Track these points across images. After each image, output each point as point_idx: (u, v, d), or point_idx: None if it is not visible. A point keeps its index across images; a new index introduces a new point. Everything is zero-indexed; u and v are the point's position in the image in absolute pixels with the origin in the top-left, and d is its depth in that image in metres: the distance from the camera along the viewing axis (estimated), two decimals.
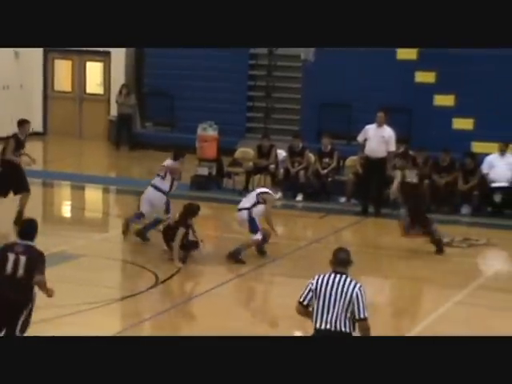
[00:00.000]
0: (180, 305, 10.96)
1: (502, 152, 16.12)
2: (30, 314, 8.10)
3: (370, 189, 15.85)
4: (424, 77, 18.90)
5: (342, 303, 7.16)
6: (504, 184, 15.89)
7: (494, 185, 15.96)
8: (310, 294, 7.31)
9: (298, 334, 10.35)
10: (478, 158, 16.34)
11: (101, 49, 20.93)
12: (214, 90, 20.68)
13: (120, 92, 21.54)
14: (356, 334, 7.24)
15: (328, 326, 7.18)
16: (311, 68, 19.03)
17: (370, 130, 15.75)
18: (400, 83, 18.82)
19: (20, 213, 13.60)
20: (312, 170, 17.09)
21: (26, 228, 8.37)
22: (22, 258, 8.04)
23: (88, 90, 22.85)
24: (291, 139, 17.51)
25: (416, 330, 10.11)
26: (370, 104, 18.91)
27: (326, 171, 16.98)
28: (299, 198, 16.84)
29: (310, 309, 7.34)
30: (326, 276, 7.31)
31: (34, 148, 22.18)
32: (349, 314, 7.16)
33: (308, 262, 13.56)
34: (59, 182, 18.28)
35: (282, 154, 17.37)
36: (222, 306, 11.21)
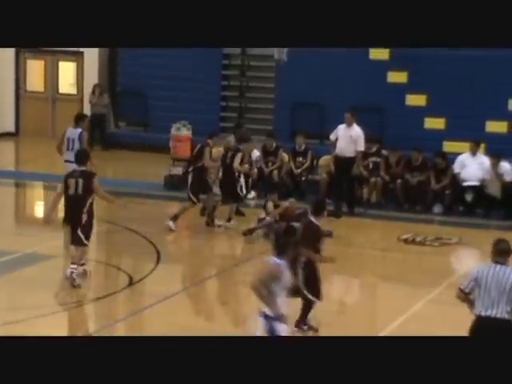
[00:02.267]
0: (154, 305, 10.95)
1: (474, 151, 16.25)
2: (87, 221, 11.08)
3: (341, 188, 15.95)
4: (396, 77, 19.02)
5: (501, 292, 7.65)
6: (475, 183, 16.02)
7: (465, 184, 16.09)
8: (472, 283, 7.85)
9: None
10: (450, 158, 16.47)
11: (73, 49, 20.85)
12: (187, 89, 20.68)
13: (93, 92, 21.47)
14: None
15: (488, 313, 7.70)
16: (284, 68, 19.08)
17: (340, 129, 15.87)
18: (372, 83, 18.92)
19: None
20: (286, 170, 17.14)
21: (81, 157, 11.42)
22: (80, 181, 11.05)
23: (61, 90, 22.75)
24: (265, 139, 17.55)
25: (388, 329, 10.18)
26: (342, 104, 18.96)
27: (299, 170, 17.04)
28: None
29: (471, 296, 7.87)
30: (487, 267, 7.82)
31: (6, 148, 22.11)
32: (509, 302, 7.65)
33: None
34: (32, 183, 18.20)
35: (255, 153, 17.40)
36: (197, 306, 11.23)
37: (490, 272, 7.77)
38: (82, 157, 11.53)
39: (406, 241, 14.20)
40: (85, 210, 11.15)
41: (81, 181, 11.16)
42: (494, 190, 15.89)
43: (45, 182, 18.04)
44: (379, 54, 19.06)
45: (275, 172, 17.01)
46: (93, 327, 10.34)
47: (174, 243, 14.54)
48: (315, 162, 17.59)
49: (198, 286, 11.97)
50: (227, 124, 20.45)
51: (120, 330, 10.26)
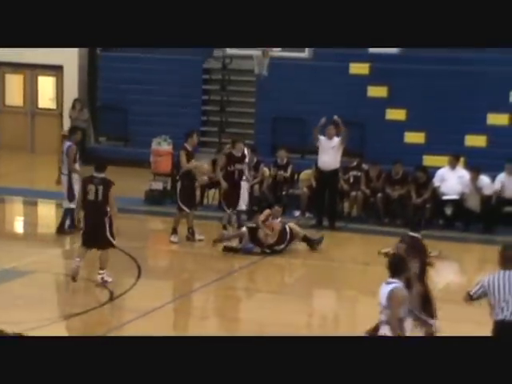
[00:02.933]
0: (135, 320, 10.89)
1: (453, 165, 16.33)
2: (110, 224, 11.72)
3: (324, 201, 15.97)
4: (376, 91, 19.10)
5: None
6: (455, 197, 16.09)
7: (445, 197, 16.16)
8: (481, 289, 8.10)
9: None
10: (430, 172, 16.54)
11: (53, 63, 20.80)
12: (168, 104, 20.67)
13: (73, 106, 21.41)
14: None
15: (506, 318, 7.90)
16: (265, 82, 19.11)
17: (322, 141, 15.94)
18: (353, 97, 18.99)
19: None
20: (267, 184, 17.14)
21: (101, 164, 12.07)
22: (100, 188, 11.75)
23: (40, 105, 22.66)
24: None
25: None
26: (323, 118, 19.06)
27: (280, 179, 17.06)
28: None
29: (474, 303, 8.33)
30: (497, 274, 8.03)
31: None
32: None
33: (264, 275, 13.61)
34: (11, 198, 18.09)
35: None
36: (177, 321, 11.19)
37: (501, 278, 7.96)
38: (101, 164, 12.15)
39: (386, 254, 14.18)
40: (107, 215, 11.76)
41: (101, 188, 11.81)
42: (474, 203, 15.96)
43: (23, 196, 17.95)
44: (359, 68, 19.17)
45: (256, 187, 17.00)
46: None
47: (154, 258, 14.50)
48: (295, 177, 17.61)
49: (179, 301, 11.93)
50: (208, 138, 20.45)
51: None
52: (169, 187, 17.37)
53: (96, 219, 11.83)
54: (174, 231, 14.52)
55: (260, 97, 20.07)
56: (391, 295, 7.68)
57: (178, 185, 14.70)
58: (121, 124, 21.06)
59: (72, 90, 21.82)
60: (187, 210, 14.44)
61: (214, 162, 17.30)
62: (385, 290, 7.74)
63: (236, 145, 15.40)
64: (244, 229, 14.07)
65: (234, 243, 14.06)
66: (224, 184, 14.81)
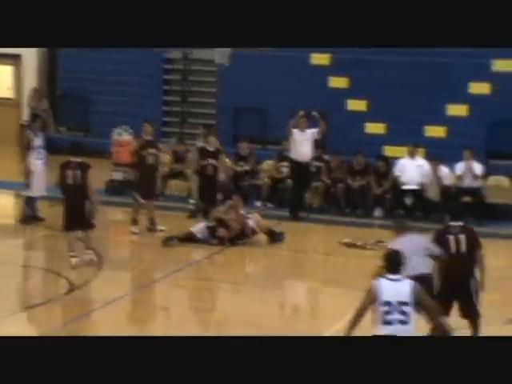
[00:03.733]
0: (95, 311, 10.86)
1: (412, 155, 16.46)
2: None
3: (300, 192, 16.04)
4: (337, 82, 19.17)
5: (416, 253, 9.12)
6: (414, 187, 16.23)
7: (405, 187, 16.29)
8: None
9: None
10: (391, 162, 16.66)
11: (11, 52, 20.56)
12: (129, 94, 20.55)
13: (32, 96, 21.19)
14: None
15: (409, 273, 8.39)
16: (226, 72, 19.09)
17: (295, 134, 15.93)
18: (314, 88, 19.04)
19: None
20: (228, 174, 17.13)
21: (76, 148, 12.56)
22: (78, 172, 12.16)
23: None
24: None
25: (329, 333, 10.24)
26: (284, 109, 19.07)
27: (242, 169, 17.04)
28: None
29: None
30: (403, 239, 9.35)
31: None
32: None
33: (224, 265, 13.63)
34: None
35: None
36: (138, 312, 11.16)
37: (406, 242, 9.22)
38: (78, 148, 12.65)
39: (347, 245, 14.31)
40: (86, 198, 12.15)
41: (78, 172, 12.22)
42: (433, 193, 16.11)
43: None
44: (320, 59, 19.21)
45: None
46: (33, 334, 10.17)
47: (115, 249, 14.44)
48: (258, 167, 17.64)
49: (140, 292, 11.89)
50: (170, 129, 20.38)
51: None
52: (129, 178, 17.28)
53: (76, 202, 12.21)
54: (134, 222, 14.47)
55: (221, 87, 20.05)
56: (419, 290, 7.47)
57: (136, 175, 14.69)
58: (81, 114, 20.90)
59: (31, 80, 21.61)
60: (140, 199, 14.39)
61: (174, 153, 17.27)
62: (402, 287, 7.42)
63: (209, 139, 15.40)
64: (200, 226, 13.98)
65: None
66: (193, 178, 14.83)
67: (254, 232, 14.02)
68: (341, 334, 9.98)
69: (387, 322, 7.22)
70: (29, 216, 14.71)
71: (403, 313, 7.21)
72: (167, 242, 13.72)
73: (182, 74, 20.87)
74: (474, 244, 9.51)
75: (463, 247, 9.44)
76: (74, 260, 12.29)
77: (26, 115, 21.55)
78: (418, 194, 16.17)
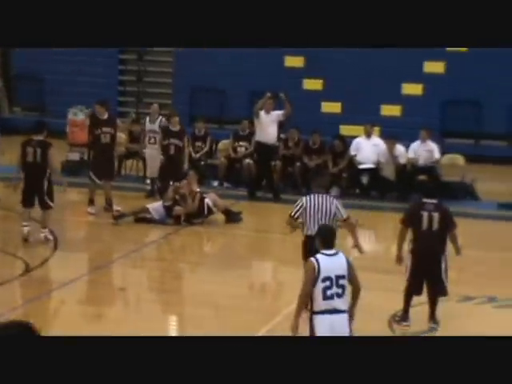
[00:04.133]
0: (51, 292, 10.82)
1: (368, 134, 16.56)
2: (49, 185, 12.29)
3: (262, 174, 16.03)
4: (293, 61, 19.23)
5: (325, 215, 9.55)
6: (370, 166, 16.34)
7: (361, 167, 16.40)
8: (300, 209, 9.66)
9: (167, 319, 10.42)
10: (347, 141, 16.76)
11: None
12: (84, 73, 20.41)
13: None
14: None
15: (313, 233, 8.92)
16: (182, 52, 19.03)
17: (261, 115, 15.87)
18: (270, 68, 19.07)
19: None
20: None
21: (39, 126, 12.48)
22: (38, 150, 12.21)
23: None
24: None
25: (287, 311, 10.32)
26: (241, 88, 19.11)
27: (198, 155, 17.05)
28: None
29: (299, 221, 9.75)
30: (311, 197, 9.71)
31: None
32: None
33: (181, 245, 13.65)
34: None
35: None
36: (94, 292, 11.14)
37: (314, 199, 9.64)
38: (39, 126, 12.49)
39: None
40: (45, 177, 12.04)
41: (39, 150, 12.16)
42: (389, 172, 16.25)
43: None
44: None
45: None
46: None
47: (71, 230, 14.37)
48: (214, 147, 17.64)
49: (96, 272, 11.87)
50: (125, 109, 20.27)
51: (16, 318, 10.08)
52: (85, 158, 17.19)
53: (35, 180, 12.23)
54: (91, 202, 14.41)
55: (178, 67, 19.99)
56: (352, 264, 7.60)
57: (90, 154, 14.62)
58: (36, 94, 20.72)
59: None
60: (97, 180, 14.32)
61: (130, 132, 17.19)
62: (339, 261, 7.48)
63: (172, 119, 15.34)
64: (156, 205, 13.95)
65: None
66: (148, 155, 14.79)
67: (210, 211, 14.03)
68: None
69: (328, 297, 7.31)
70: None
71: (340, 286, 7.34)
72: (118, 219, 13.67)
73: (138, 54, 20.75)
74: (447, 223, 9.63)
75: (435, 225, 9.56)
76: (25, 229, 12.30)
77: None
78: (373, 172, 16.30)
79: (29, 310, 10.25)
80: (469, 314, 10.26)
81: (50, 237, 12.52)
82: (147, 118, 16.11)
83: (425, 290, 9.75)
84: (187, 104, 19.61)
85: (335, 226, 9.34)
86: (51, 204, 12.39)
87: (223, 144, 17.58)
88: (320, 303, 7.32)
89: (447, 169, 16.58)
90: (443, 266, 9.59)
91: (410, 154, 16.12)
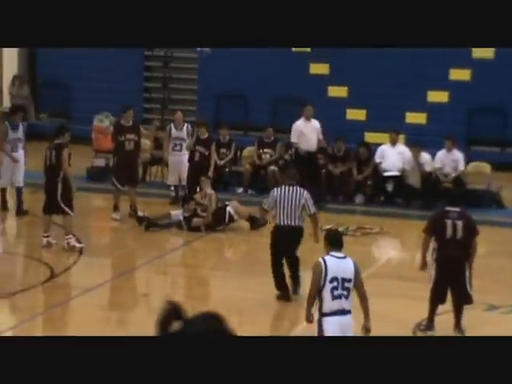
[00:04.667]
0: (76, 298, 10.85)
1: (393, 141, 16.50)
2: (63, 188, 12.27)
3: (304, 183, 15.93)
4: (318, 68, 19.20)
5: (295, 206, 10.29)
6: (395, 173, 16.27)
7: (386, 174, 16.33)
8: (272, 201, 10.42)
9: None
10: (372, 148, 16.70)
11: None
12: (110, 80, 20.50)
13: (13, 83, 21.09)
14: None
15: (287, 223, 10.34)
16: (207, 59, 19.07)
17: (300, 126, 15.76)
18: (295, 75, 19.06)
19: None
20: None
21: (59, 129, 12.45)
22: (53, 152, 12.24)
23: None
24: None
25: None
26: (265, 95, 19.12)
27: (223, 162, 17.05)
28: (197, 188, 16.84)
29: (272, 212, 10.53)
30: (282, 188, 10.44)
31: None
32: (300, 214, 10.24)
33: (205, 251, 13.64)
34: None
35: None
36: (118, 298, 11.16)
37: (284, 191, 10.33)
38: (58, 129, 12.56)
39: (328, 231, 14.34)
40: (59, 180, 12.06)
41: (54, 152, 12.21)
42: (414, 180, 16.17)
43: None
44: None
45: None
46: (13, 321, 10.17)
47: (96, 235, 14.43)
48: (239, 154, 17.64)
49: (121, 278, 11.89)
50: (150, 115, 20.34)
51: (40, 324, 10.13)
52: (111, 164, 17.26)
53: (50, 184, 12.26)
54: (116, 208, 14.45)
55: (203, 74, 20.03)
56: (359, 270, 7.77)
57: (114, 161, 14.67)
58: (62, 100, 20.84)
59: (11, 66, 21.50)
60: (120, 186, 14.36)
61: (155, 139, 17.22)
62: (346, 265, 7.69)
63: (200, 127, 15.37)
64: (179, 212, 13.98)
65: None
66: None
67: (231, 219, 14.01)
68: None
69: (336, 297, 7.58)
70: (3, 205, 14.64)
71: (346, 288, 7.61)
72: (141, 221, 13.76)
73: (163, 60, 20.83)
74: (471, 231, 9.59)
75: (459, 233, 9.53)
76: (44, 240, 12.30)
77: (7, 102, 21.48)
78: (398, 180, 16.23)
79: (52, 316, 10.28)
80: (495, 322, 10.17)
81: (75, 244, 12.42)
82: (172, 125, 16.13)
83: (450, 298, 9.69)
84: (212, 111, 19.64)
85: (302, 217, 10.25)
86: (66, 209, 12.24)
87: (248, 151, 17.58)
88: (329, 303, 7.58)
89: (473, 177, 16.47)
90: (467, 274, 9.54)
91: (437, 164, 16.04)
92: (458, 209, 9.67)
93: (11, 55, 21.55)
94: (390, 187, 16.30)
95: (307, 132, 15.65)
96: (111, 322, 10.06)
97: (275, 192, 10.42)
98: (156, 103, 20.80)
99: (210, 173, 14.84)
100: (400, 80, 18.52)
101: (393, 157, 16.30)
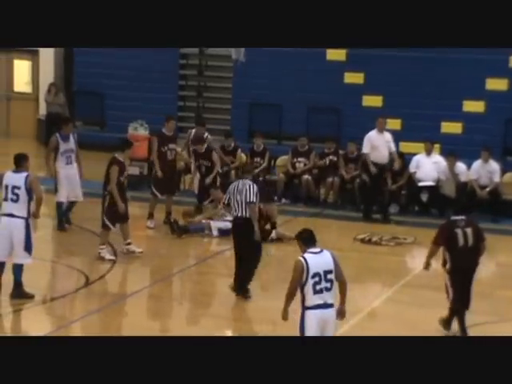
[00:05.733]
0: (111, 305, 10.90)
1: (429, 151, 16.41)
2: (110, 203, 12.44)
3: (374, 195, 15.80)
4: (353, 78, 19.14)
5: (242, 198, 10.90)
6: (430, 183, 16.18)
7: (420, 184, 16.24)
8: (228, 196, 11.08)
9: (226, 333, 10.42)
10: (406, 158, 16.61)
11: (28, 47, 20.65)
12: (144, 89, 20.60)
13: (49, 91, 21.28)
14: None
15: (237, 214, 10.95)
16: (242, 68, 19.10)
17: (373, 137, 15.74)
18: (329, 83, 19.02)
19: None
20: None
21: (119, 145, 12.70)
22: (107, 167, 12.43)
23: (16, 89, 22.51)
24: (223, 139, 17.55)
25: (344, 329, 10.23)
26: (300, 104, 19.10)
27: (257, 171, 17.06)
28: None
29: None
30: (235, 183, 11.11)
31: None
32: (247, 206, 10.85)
33: None
34: None
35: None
36: (153, 306, 11.20)
37: (237, 185, 10.96)
38: (120, 144, 12.78)
39: (362, 241, 14.30)
40: (106, 193, 12.35)
41: (107, 166, 12.47)
42: (449, 190, 16.06)
43: None
44: (336, 54, 19.18)
45: (233, 172, 17.00)
46: (49, 328, 10.24)
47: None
48: (273, 163, 17.65)
49: (155, 286, 11.92)
50: (185, 124, 20.41)
51: (76, 331, 10.18)
52: (145, 172, 17.34)
53: (102, 198, 12.48)
54: (150, 216, 14.52)
55: (237, 83, 20.06)
56: (337, 261, 8.22)
57: (154, 170, 14.74)
58: (97, 109, 20.96)
59: (48, 74, 21.69)
60: (159, 195, 14.45)
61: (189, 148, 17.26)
62: (325, 258, 8.15)
63: (228, 139, 15.38)
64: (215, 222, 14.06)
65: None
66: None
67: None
68: (355, 329, 10.03)
69: (318, 291, 7.93)
70: (61, 221, 14.04)
71: (329, 280, 8.01)
72: (174, 228, 13.87)
73: (198, 69, 20.90)
74: (479, 237, 9.95)
75: (471, 240, 9.86)
76: (100, 252, 12.36)
77: (43, 109, 21.69)
78: (433, 190, 16.13)
79: (87, 323, 10.34)
80: None
81: (106, 255, 12.40)
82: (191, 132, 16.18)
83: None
84: (246, 119, 19.66)
85: (250, 210, 10.76)
86: (106, 222, 12.36)
87: (282, 160, 17.57)
88: (312, 297, 7.92)
89: (509, 187, 16.33)
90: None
91: (473, 175, 15.92)
92: (463, 217, 10.03)
93: (48, 63, 21.75)
94: (424, 197, 16.20)
95: (379, 144, 15.65)
96: (147, 329, 10.07)
97: (230, 187, 11.08)
98: (190, 112, 20.87)
99: (209, 179, 14.53)
100: (435, 89, 18.41)
101: (428, 167, 16.21)
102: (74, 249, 13.20)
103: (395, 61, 18.56)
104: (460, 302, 9.87)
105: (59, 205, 13.95)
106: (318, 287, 7.94)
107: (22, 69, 22.42)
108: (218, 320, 10.66)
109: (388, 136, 15.78)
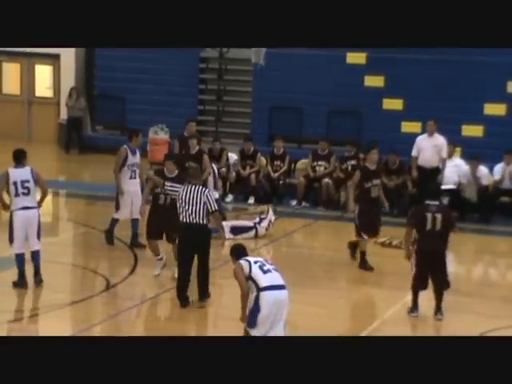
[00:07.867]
0: (131, 309, 10.92)
1: (449, 155, 16.33)
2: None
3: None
4: (373, 81, 19.11)
5: (196, 204, 10.62)
6: (451, 186, 16.10)
7: (442, 187, 16.14)
8: (180, 201, 10.70)
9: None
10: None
11: (50, 52, 20.78)
12: (164, 93, 20.67)
13: (70, 95, 21.40)
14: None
15: (186, 220, 10.64)
16: (262, 71, 19.11)
17: (421, 140, 15.74)
18: (350, 87, 18.99)
19: None
20: (263, 173, 17.17)
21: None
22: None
23: (37, 94, 22.65)
24: (242, 142, 17.57)
25: (365, 333, 10.21)
26: (320, 107, 19.09)
27: (277, 174, 17.07)
28: (251, 201, 16.89)
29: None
30: (185, 187, 10.72)
31: None
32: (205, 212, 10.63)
33: None
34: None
35: (233, 157, 17.43)
36: (173, 310, 11.21)
37: (187, 190, 10.62)
38: (166, 156, 12.34)
39: (383, 244, 14.26)
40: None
41: None
42: (470, 193, 15.99)
43: None
44: (356, 58, 19.16)
45: (253, 176, 17.02)
46: (69, 331, 10.28)
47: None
48: (293, 166, 17.64)
49: (175, 290, 11.90)
50: (204, 128, 20.45)
51: (96, 334, 10.21)
52: None
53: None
54: None
55: (257, 86, 20.07)
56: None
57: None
58: (118, 112, 21.05)
59: (69, 79, 21.81)
60: None
61: (210, 151, 17.30)
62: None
63: (247, 142, 15.40)
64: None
65: None
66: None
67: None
68: (376, 333, 10.00)
69: (267, 271, 8.62)
70: (111, 236, 13.35)
71: (272, 264, 8.77)
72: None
73: (218, 73, 20.94)
74: (448, 223, 10.47)
75: (438, 226, 10.38)
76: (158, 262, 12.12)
77: (64, 114, 21.80)
78: (454, 193, 16.05)
79: (108, 327, 10.37)
80: None
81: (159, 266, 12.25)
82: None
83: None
84: (266, 123, 19.67)
85: (208, 215, 10.60)
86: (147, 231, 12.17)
87: (302, 163, 17.56)
88: (263, 278, 8.56)
89: None
90: (446, 262, 10.48)
91: (496, 177, 15.85)
92: (437, 202, 10.53)
93: (69, 68, 21.87)
94: (445, 200, 16.11)
95: (426, 147, 15.62)
96: (167, 333, 10.09)
97: (180, 191, 10.73)
98: (210, 115, 20.90)
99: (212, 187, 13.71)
100: (456, 92, 18.33)
101: (449, 170, 16.14)
102: (94, 253, 13.23)
103: (415, 64, 18.50)
104: (419, 281, 10.51)
105: (115, 221, 13.24)
106: (265, 268, 8.60)
107: (43, 73, 22.56)
108: (235, 323, 10.65)
109: (439, 140, 15.71)
